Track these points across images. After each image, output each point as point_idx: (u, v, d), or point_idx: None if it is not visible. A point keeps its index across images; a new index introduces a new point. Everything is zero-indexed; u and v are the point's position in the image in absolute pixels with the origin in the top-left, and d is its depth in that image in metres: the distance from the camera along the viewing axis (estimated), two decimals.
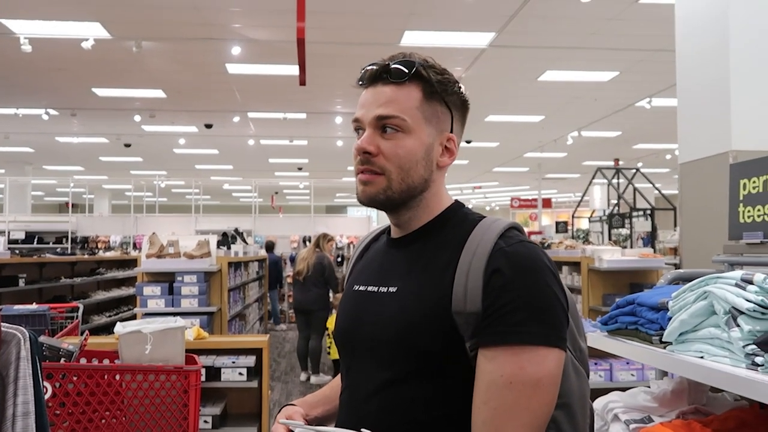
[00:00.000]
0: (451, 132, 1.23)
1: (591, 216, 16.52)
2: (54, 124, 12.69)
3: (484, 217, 1.20)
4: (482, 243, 1.11)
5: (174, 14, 7.14)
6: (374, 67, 1.21)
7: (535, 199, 21.48)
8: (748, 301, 1.23)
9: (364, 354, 1.20)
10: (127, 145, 15.22)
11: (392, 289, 1.19)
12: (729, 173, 1.97)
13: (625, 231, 13.36)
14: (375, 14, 7.15)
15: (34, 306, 4.19)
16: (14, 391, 1.38)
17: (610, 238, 13.03)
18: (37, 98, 11.03)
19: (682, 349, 1.41)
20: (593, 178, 14.68)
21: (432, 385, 1.11)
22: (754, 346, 1.22)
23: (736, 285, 1.27)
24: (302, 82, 6.18)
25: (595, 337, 1.73)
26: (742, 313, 1.24)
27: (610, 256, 6.35)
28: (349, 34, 7.72)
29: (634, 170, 14.20)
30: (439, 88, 1.20)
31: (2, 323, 1.46)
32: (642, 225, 13.26)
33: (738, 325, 1.24)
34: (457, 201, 1.26)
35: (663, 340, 1.46)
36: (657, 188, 14.48)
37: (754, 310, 1.22)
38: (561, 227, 17.61)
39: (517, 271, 1.06)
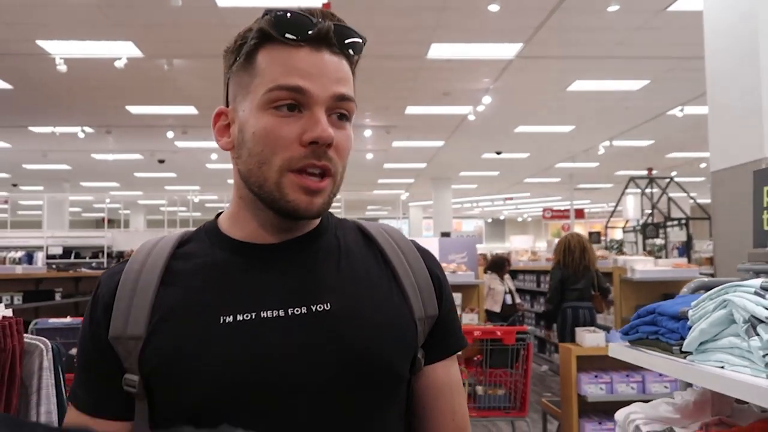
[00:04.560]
0: None
1: (624, 226, 16.26)
2: (90, 141, 12.95)
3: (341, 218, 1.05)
4: (401, 244, 1.01)
5: (203, 32, 7.26)
6: (321, 25, 0.86)
7: (568, 210, 21.24)
8: (767, 309, 1.20)
9: (295, 402, 0.84)
10: (161, 161, 15.47)
11: (322, 307, 0.88)
12: (752, 181, 1.93)
13: (659, 241, 13.14)
14: (402, 28, 7.17)
15: (68, 319, 4.26)
16: (37, 400, 1.40)
17: (644, 249, 12.82)
18: (73, 117, 11.27)
19: (702, 359, 1.38)
20: (626, 187, 14.47)
21: (394, 412, 0.95)
22: None
23: (756, 293, 1.24)
24: None
25: (617, 348, 1.70)
26: (761, 321, 1.21)
27: (642, 266, 6.25)
28: (376, 48, 7.75)
29: (668, 179, 13.97)
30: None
31: (31, 335, 1.50)
32: (677, 235, 13.03)
33: (758, 334, 1.21)
34: None
35: (683, 349, 1.43)
36: (692, 197, 14.22)
37: None
38: (594, 238, 17.39)
39: (444, 274, 1.05)
